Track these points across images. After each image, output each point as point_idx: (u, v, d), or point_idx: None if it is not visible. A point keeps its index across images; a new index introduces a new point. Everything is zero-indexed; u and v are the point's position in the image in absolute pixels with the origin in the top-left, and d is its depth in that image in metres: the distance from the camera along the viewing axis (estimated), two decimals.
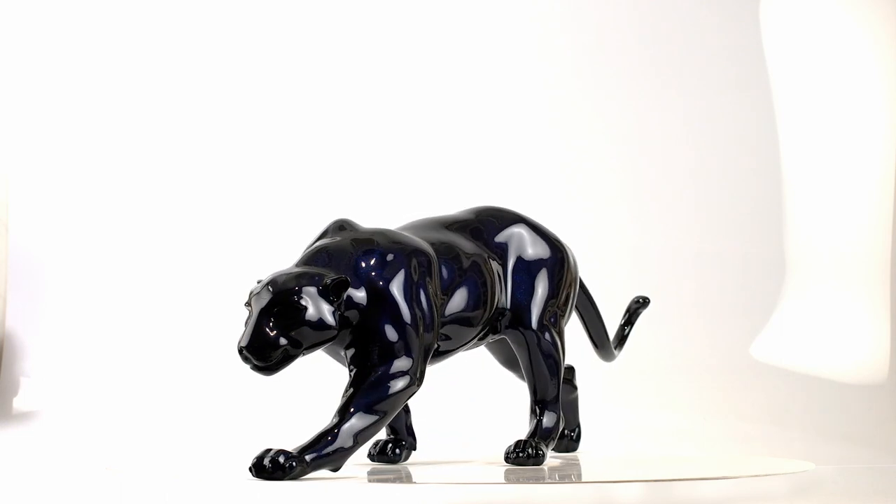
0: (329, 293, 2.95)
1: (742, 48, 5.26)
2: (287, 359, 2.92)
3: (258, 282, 3.01)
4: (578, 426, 3.86)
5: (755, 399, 4.80)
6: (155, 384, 4.74)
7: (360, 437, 2.93)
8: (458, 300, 3.23)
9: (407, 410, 3.50)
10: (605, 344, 3.82)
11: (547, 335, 3.37)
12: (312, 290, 2.94)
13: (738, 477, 3.27)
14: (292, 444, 2.93)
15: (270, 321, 2.91)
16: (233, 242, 4.98)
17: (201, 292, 4.93)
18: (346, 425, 2.92)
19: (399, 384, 3.01)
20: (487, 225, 3.43)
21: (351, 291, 3.01)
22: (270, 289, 2.94)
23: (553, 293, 3.41)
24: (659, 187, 5.19)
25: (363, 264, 3.06)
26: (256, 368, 2.92)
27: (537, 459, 3.30)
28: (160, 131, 5.11)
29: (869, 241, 5.17)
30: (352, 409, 2.94)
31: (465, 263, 3.27)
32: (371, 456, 3.49)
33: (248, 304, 2.97)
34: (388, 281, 3.06)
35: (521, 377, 3.49)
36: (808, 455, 3.87)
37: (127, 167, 5.08)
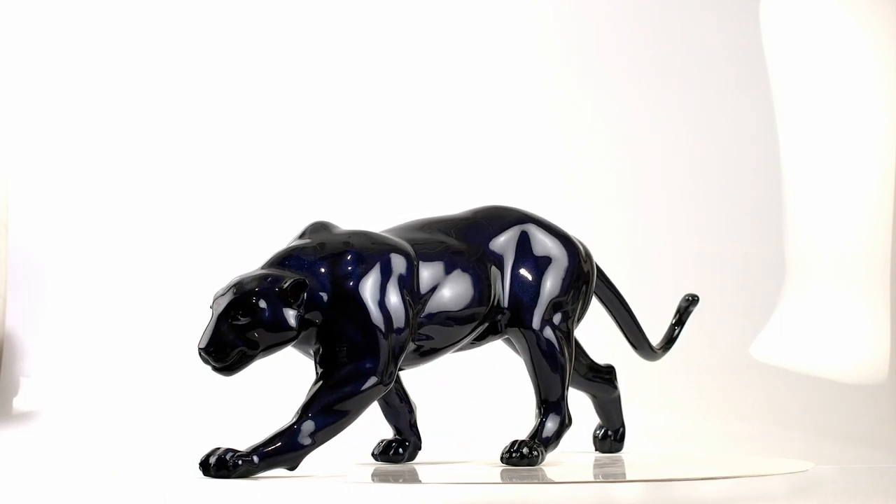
0: (287, 295, 2.96)
1: (742, 48, 5.26)
2: (245, 359, 2.96)
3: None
4: (623, 426, 3.80)
5: (755, 399, 4.80)
6: (155, 384, 4.74)
7: (318, 437, 2.94)
8: (442, 300, 3.21)
9: (411, 409, 3.48)
10: (642, 343, 3.75)
11: (548, 334, 3.33)
12: (270, 291, 2.96)
13: (738, 477, 3.27)
14: None
15: (228, 322, 2.94)
16: (233, 242, 4.98)
17: (201, 292, 4.92)
18: (304, 424, 2.94)
19: (363, 384, 3.01)
20: (487, 224, 3.39)
21: (313, 292, 3.02)
22: (232, 291, 2.98)
23: (558, 291, 3.36)
24: (659, 187, 5.18)
25: (332, 265, 3.06)
26: (215, 369, 2.97)
27: (531, 460, 3.25)
28: (160, 131, 5.11)
29: (869, 241, 5.17)
30: (312, 409, 2.96)
31: (453, 262, 3.25)
32: (375, 456, 3.48)
33: (211, 305, 3.01)
34: (357, 281, 3.06)
35: None
36: (807, 455, 3.87)
37: (126, 167, 5.09)
